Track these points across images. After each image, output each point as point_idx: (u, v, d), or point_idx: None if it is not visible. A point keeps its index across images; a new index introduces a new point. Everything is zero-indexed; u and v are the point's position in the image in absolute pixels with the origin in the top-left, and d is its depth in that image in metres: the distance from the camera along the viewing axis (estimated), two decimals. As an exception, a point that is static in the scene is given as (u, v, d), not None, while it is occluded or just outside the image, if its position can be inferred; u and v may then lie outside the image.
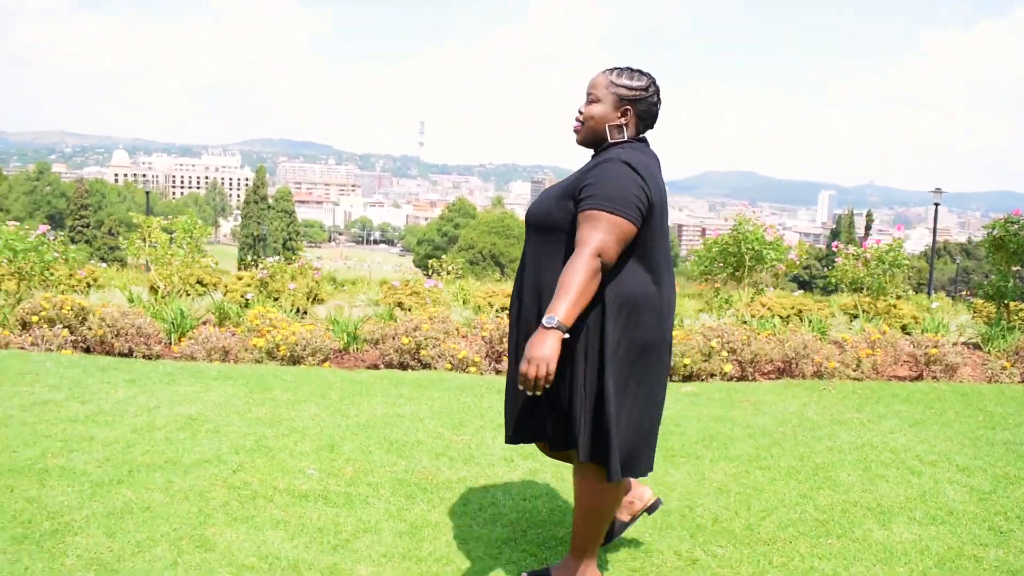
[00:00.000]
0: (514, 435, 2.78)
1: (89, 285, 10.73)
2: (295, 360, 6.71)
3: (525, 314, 2.69)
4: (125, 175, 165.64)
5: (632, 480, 3.11)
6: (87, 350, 6.97)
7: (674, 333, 6.19)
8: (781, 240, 9.78)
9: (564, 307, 2.37)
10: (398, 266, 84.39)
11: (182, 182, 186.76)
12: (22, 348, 6.85)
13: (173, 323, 7.32)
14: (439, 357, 6.58)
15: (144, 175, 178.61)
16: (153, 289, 9.90)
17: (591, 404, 2.56)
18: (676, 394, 5.94)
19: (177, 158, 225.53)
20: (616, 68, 2.71)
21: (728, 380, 6.53)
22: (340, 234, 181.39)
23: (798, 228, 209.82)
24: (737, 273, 9.79)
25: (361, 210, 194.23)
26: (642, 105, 2.68)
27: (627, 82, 2.67)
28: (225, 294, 10.41)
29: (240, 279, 10.87)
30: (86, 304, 7.22)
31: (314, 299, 9.88)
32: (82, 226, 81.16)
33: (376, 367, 6.78)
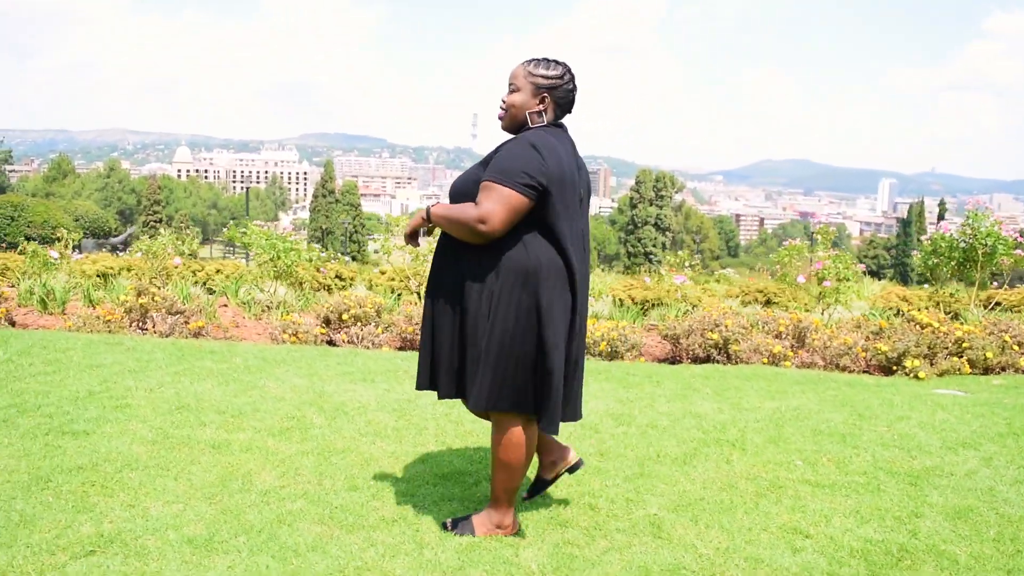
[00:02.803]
0: (419, 383, 3.08)
1: (342, 280, 10.62)
2: (612, 356, 6.71)
3: (438, 271, 3.01)
4: (188, 171, 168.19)
5: (558, 443, 3.32)
6: (401, 347, 6.92)
7: (970, 328, 6.55)
8: (1008, 236, 8.95)
9: (440, 207, 2.93)
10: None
11: (242, 177, 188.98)
12: (330, 343, 6.95)
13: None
14: (753, 352, 6.33)
15: (206, 171, 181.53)
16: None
17: (502, 360, 2.81)
18: (988, 386, 5.94)
19: (236, 153, 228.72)
20: (534, 59, 2.98)
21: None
22: (397, 226, 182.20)
23: (858, 217, 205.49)
24: (965, 270, 9.02)
25: (417, 202, 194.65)
26: (558, 92, 2.95)
27: (544, 72, 2.94)
28: (370, 287, 10.24)
29: (383, 273, 10.77)
30: (383, 301, 7.17)
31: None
32: (155, 221, 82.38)
33: (673, 360, 6.96)
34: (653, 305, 9.60)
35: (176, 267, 9.40)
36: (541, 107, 2.93)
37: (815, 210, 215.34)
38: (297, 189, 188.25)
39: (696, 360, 6.85)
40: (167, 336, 6.62)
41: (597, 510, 3.36)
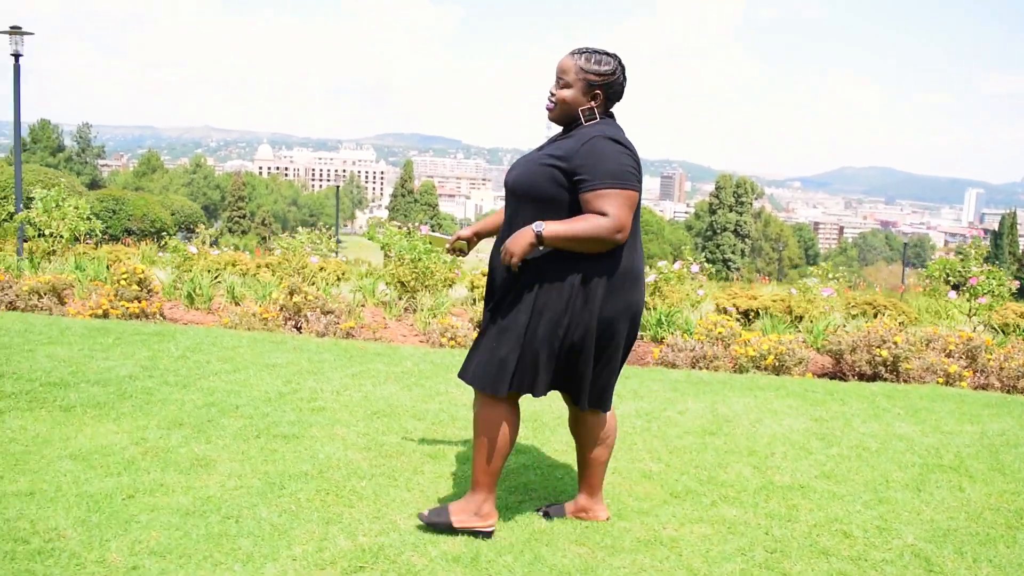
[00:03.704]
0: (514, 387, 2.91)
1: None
2: (778, 370, 6.45)
3: (498, 270, 2.92)
4: (269, 168, 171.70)
5: (595, 501, 3.20)
6: None
7: None
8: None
9: (556, 228, 2.71)
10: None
11: (321, 175, 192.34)
12: None
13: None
14: (926, 371, 5.90)
15: (286, 168, 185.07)
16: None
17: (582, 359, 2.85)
18: None
19: (315, 152, 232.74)
20: (583, 52, 2.87)
21: None
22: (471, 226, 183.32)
23: (942, 228, 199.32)
24: None
25: (491, 203, 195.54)
26: (611, 88, 2.88)
27: (596, 68, 2.85)
28: (471, 288, 10.14)
29: (484, 275, 10.58)
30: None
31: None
32: (239, 217, 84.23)
33: (835, 376, 6.65)
34: (757, 314, 9.30)
35: (314, 265, 9.42)
36: (593, 104, 2.87)
37: (897, 219, 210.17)
38: (373, 188, 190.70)
39: (862, 377, 6.54)
40: (322, 336, 6.59)
41: (853, 538, 3.16)
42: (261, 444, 3.78)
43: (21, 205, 15.12)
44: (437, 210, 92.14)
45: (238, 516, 2.98)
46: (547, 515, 3.19)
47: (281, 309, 6.88)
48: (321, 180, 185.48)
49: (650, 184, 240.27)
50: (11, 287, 7.07)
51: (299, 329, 6.80)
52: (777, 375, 6.33)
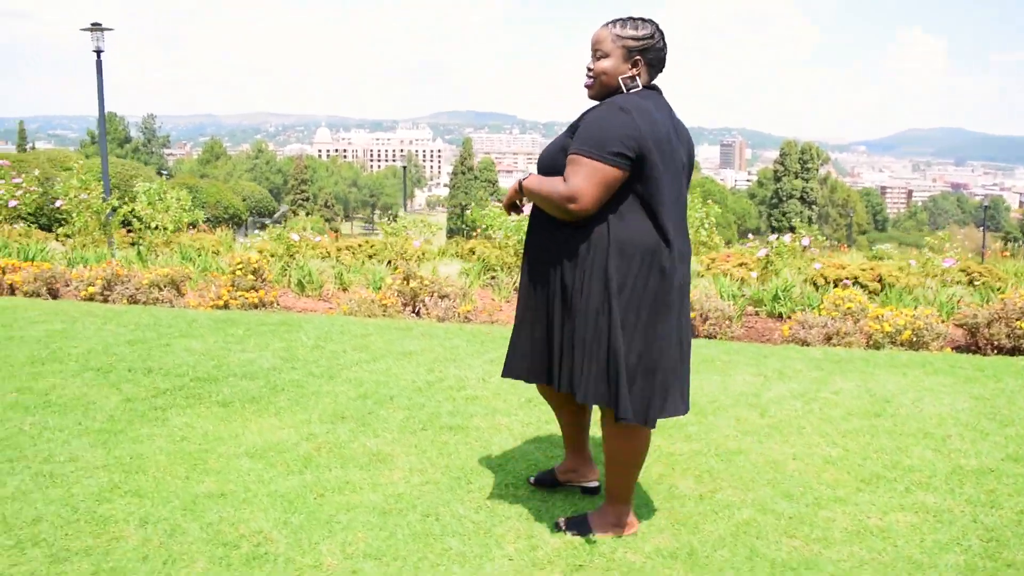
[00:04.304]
0: (508, 370, 2.87)
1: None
2: (914, 345, 6.24)
3: (534, 250, 2.80)
4: (328, 151, 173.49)
5: (588, 456, 3.11)
6: (708, 336, 6.62)
7: None
8: None
9: (532, 182, 2.69)
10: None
11: (379, 155, 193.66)
12: None
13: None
14: None
15: (344, 150, 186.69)
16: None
17: (594, 346, 2.57)
18: None
19: (372, 133, 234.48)
20: (617, 20, 2.69)
21: None
22: (529, 201, 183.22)
23: (1017, 188, 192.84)
24: None
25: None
26: (650, 53, 2.68)
27: (632, 32, 2.66)
28: None
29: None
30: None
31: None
32: (303, 199, 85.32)
33: (970, 350, 6.41)
34: (847, 284, 8.99)
35: (417, 249, 9.39)
36: (634, 71, 2.67)
37: (968, 181, 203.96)
38: (431, 166, 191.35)
39: (1001, 351, 6.27)
40: (442, 321, 6.54)
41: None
42: (430, 437, 3.72)
43: (109, 196, 15.40)
44: (497, 186, 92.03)
45: (436, 514, 2.92)
46: (539, 483, 3.17)
47: (398, 294, 6.84)
48: (379, 161, 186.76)
49: (710, 153, 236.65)
50: (129, 281, 7.15)
51: (417, 314, 6.76)
52: (916, 351, 6.09)
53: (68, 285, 7.49)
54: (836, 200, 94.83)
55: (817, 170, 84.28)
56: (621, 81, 2.66)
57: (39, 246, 8.65)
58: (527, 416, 4.05)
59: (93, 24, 17.32)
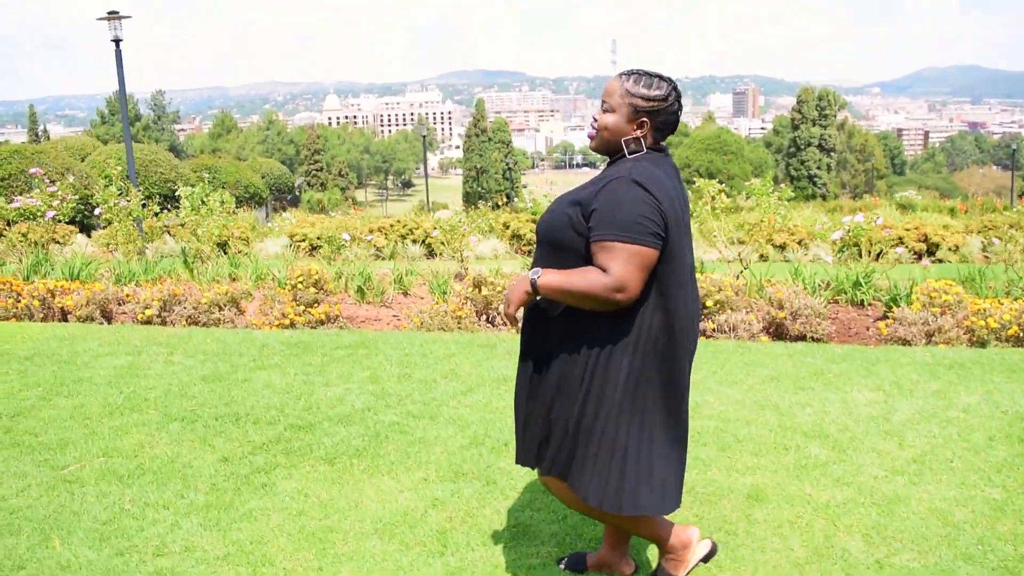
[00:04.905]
0: (521, 458, 2.66)
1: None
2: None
3: (531, 334, 2.57)
4: (338, 118, 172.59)
5: (675, 525, 2.80)
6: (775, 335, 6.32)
7: None
8: None
9: (552, 278, 2.37)
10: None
11: (389, 120, 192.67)
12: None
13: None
14: None
15: (354, 116, 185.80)
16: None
17: (591, 437, 2.43)
18: None
19: (381, 97, 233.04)
20: (634, 73, 2.47)
21: None
22: (543, 160, 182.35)
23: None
24: None
25: (561, 135, 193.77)
26: (660, 116, 2.46)
27: (644, 92, 2.44)
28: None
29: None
30: (729, 279, 6.70)
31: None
32: (316, 170, 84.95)
33: None
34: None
35: (473, 245, 9.07)
36: (639, 133, 2.45)
37: (986, 119, 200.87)
38: (442, 129, 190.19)
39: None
40: (520, 332, 6.25)
41: None
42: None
43: (135, 183, 15.13)
44: (511, 147, 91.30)
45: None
46: (570, 566, 2.91)
47: (469, 303, 6.55)
48: (389, 125, 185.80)
49: (722, 102, 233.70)
50: (186, 300, 6.89)
51: (492, 323, 6.47)
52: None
53: (121, 305, 7.24)
54: (854, 146, 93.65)
55: (835, 116, 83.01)
56: (623, 142, 2.47)
57: (83, 261, 8.39)
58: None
59: (110, 12, 16.92)
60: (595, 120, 2.52)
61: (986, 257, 14.27)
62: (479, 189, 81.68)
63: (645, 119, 2.44)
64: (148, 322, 6.82)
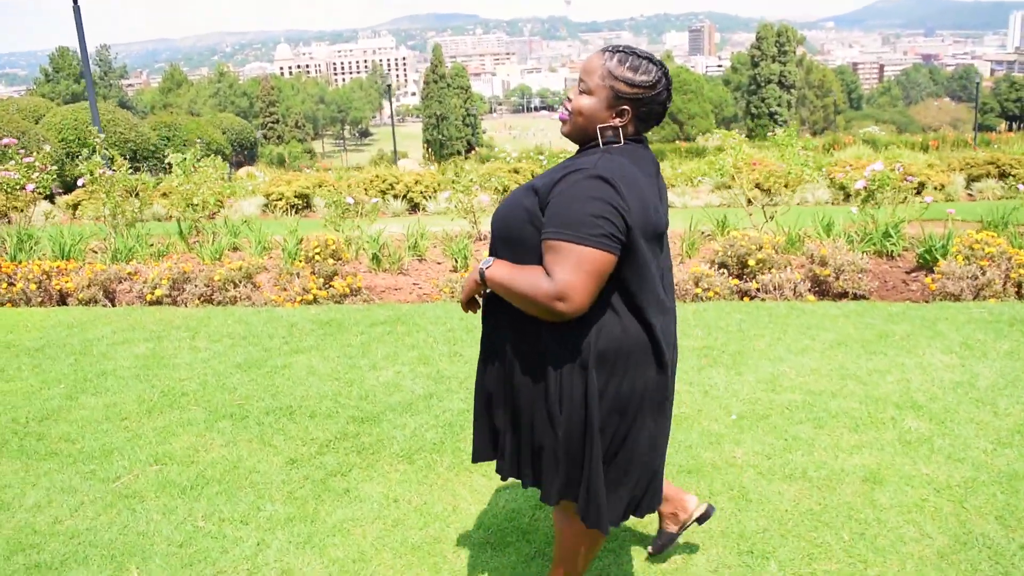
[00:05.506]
0: (476, 454, 2.37)
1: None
2: None
3: (490, 332, 2.23)
4: (290, 68, 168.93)
5: (676, 491, 2.76)
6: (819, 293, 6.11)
7: None
8: None
9: (499, 272, 2.05)
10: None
11: (343, 68, 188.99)
12: (743, 296, 6.11)
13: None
14: None
15: (307, 66, 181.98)
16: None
17: (566, 452, 2.11)
18: None
19: (333, 44, 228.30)
20: (619, 51, 2.08)
21: None
22: (500, 104, 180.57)
23: (988, 56, 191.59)
24: None
25: (519, 78, 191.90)
26: (644, 105, 2.07)
27: (629, 76, 2.04)
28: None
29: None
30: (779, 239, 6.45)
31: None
32: (272, 122, 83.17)
33: None
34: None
35: (482, 204, 8.75)
36: (617, 121, 2.07)
37: (939, 51, 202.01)
38: (397, 75, 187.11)
39: None
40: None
41: None
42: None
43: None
44: (470, 92, 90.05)
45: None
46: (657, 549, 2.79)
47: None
48: (343, 74, 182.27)
49: (678, 40, 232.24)
50: (197, 277, 6.53)
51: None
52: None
53: (123, 283, 6.85)
54: (812, 82, 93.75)
55: (794, 52, 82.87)
56: (598, 129, 2.09)
57: (72, 236, 7.95)
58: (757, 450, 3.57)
59: (65, -33, 16.06)
60: (568, 101, 2.14)
61: (970, 195, 14.27)
62: (440, 136, 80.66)
63: (627, 107, 2.07)
64: (157, 302, 6.47)
